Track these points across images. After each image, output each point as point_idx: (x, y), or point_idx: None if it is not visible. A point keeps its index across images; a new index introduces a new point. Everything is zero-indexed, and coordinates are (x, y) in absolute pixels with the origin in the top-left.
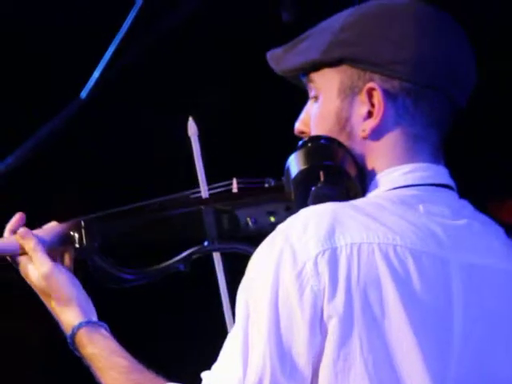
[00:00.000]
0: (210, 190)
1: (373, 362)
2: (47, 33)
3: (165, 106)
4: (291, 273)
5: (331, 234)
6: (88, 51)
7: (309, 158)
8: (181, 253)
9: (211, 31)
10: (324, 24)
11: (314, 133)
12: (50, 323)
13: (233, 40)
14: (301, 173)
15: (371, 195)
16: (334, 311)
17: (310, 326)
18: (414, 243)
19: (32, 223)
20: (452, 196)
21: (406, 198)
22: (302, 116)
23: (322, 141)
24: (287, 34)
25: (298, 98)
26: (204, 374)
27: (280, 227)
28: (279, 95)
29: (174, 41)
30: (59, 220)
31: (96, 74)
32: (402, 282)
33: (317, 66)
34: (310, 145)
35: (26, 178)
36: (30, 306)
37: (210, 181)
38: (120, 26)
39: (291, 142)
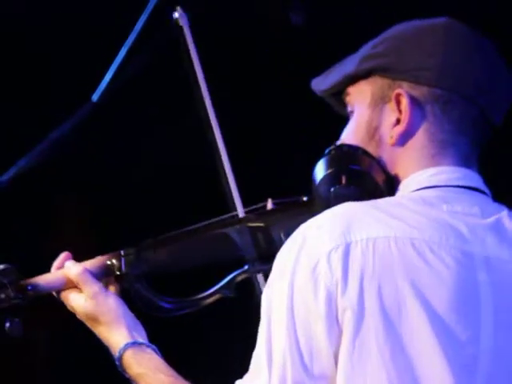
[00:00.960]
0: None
1: (389, 353)
2: (59, 34)
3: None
4: (306, 270)
5: (346, 230)
6: (100, 53)
7: (331, 163)
8: (222, 279)
9: (221, 32)
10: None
11: (353, 141)
12: None
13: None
14: (323, 178)
15: (396, 197)
16: (348, 304)
17: (327, 321)
18: (433, 237)
19: (42, 227)
20: (482, 198)
21: (429, 198)
22: (343, 134)
23: (345, 147)
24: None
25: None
26: (237, 382)
27: (300, 228)
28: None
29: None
30: (70, 224)
31: (108, 77)
32: (418, 275)
33: (350, 80)
34: (333, 152)
35: (37, 181)
36: None
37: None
38: (132, 27)
39: None
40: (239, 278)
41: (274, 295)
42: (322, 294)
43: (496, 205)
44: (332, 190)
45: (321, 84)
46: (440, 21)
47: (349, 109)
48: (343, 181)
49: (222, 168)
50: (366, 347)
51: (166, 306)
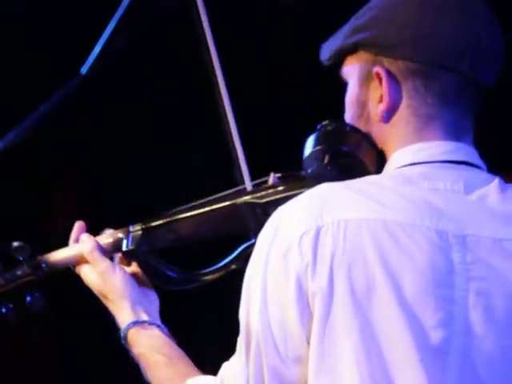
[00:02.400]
0: (240, 189)
1: (358, 336)
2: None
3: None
4: (278, 255)
5: (319, 213)
6: (89, 28)
7: (317, 141)
8: (231, 253)
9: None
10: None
11: (347, 117)
12: None
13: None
14: (309, 155)
15: (377, 175)
16: (317, 288)
17: (298, 305)
18: (407, 218)
19: (28, 202)
20: (469, 172)
21: (410, 176)
22: None
23: (333, 125)
24: None
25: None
26: (224, 364)
27: (277, 210)
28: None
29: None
30: (57, 200)
31: (96, 50)
32: (389, 258)
33: (341, 54)
34: (322, 129)
35: (25, 156)
36: None
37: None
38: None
39: None
40: (249, 251)
41: (251, 279)
42: (292, 279)
43: (486, 177)
44: (312, 169)
45: (322, 54)
46: None
47: (344, 81)
48: (326, 160)
49: (231, 141)
50: (335, 331)
51: (176, 276)
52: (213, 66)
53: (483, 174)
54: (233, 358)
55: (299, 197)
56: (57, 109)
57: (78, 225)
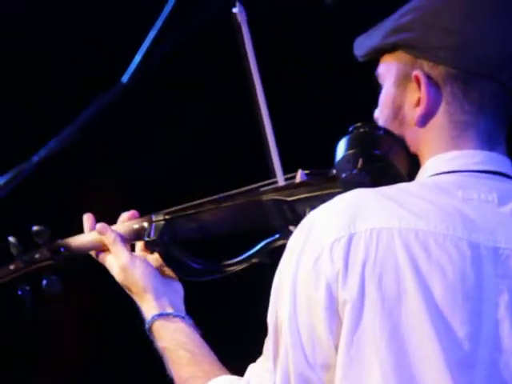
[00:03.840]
0: (271, 182)
1: (386, 347)
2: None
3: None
4: (309, 261)
5: (352, 220)
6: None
7: (351, 144)
8: (253, 247)
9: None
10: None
11: (379, 120)
12: None
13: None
14: (342, 159)
15: (410, 183)
16: (348, 296)
17: (328, 313)
18: (439, 227)
19: (69, 209)
20: (502, 183)
21: (444, 184)
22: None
23: (367, 128)
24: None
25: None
26: (250, 366)
27: (308, 215)
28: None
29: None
30: (97, 207)
31: (137, 59)
32: (420, 268)
33: (378, 52)
34: (355, 132)
35: (64, 164)
36: None
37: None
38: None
39: None
40: (272, 246)
41: (280, 284)
42: (322, 286)
43: None
44: (347, 173)
45: (357, 49)
46: None
47: (380, 80)
48: (359, 165)
49: (264, 135)
50: (364, 340)
51: (198, 267)
52: (249, 67)
53: None
54: (260, 360)
55: (332, 201)
56: (98, 117)
57: (87, 217)
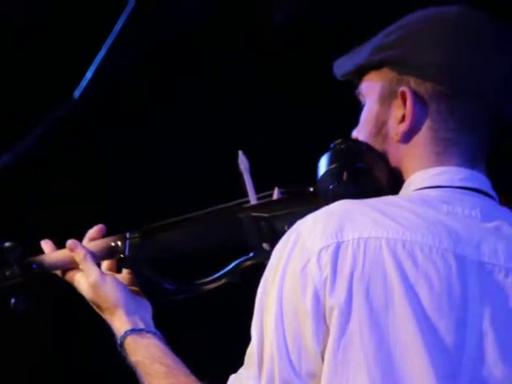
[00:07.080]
0: (243, 202)
1: (373, 355)
2: (40, 32)
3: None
4: (296, 268)
5: (339, 229)
6: (82, 51)
7: (334, 159)
8: (227, 266)
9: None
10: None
11: (359, 137)
12: None
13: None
14: (325, 173)
15: (395, 196)
16: (335, 303)
17: (315, 320)
18: (426, 238)
19: (19, 224)
20: (484, 201)
21: (429, 198)
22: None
23: (349, 143)
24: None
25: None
26: (231, 376)
27: (295, 225)
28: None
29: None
30: (48, 224)
31: (89, 74)
32: (407, 277)
33: (362, 70)
34: (337, 147)
35: (18, 178)
36: None
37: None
38: (113, 25)
39: None
40: (244, 265)
41: (266, 291)
42: (309, 293)
43: (500, 208)
44: (332, 186)
45: (339, 68)
46: (451, 10)
47: (362, 99)
48: (344, 177)
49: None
50: (351, 348)
51: (169, 287)
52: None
53: (496, 204)
54: (241, 370)
55: (318, 212)
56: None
57: (44, 242)
